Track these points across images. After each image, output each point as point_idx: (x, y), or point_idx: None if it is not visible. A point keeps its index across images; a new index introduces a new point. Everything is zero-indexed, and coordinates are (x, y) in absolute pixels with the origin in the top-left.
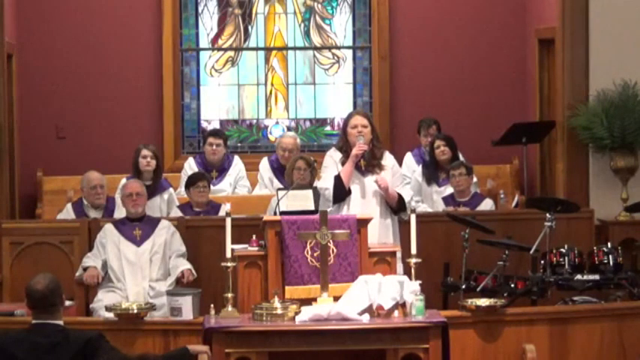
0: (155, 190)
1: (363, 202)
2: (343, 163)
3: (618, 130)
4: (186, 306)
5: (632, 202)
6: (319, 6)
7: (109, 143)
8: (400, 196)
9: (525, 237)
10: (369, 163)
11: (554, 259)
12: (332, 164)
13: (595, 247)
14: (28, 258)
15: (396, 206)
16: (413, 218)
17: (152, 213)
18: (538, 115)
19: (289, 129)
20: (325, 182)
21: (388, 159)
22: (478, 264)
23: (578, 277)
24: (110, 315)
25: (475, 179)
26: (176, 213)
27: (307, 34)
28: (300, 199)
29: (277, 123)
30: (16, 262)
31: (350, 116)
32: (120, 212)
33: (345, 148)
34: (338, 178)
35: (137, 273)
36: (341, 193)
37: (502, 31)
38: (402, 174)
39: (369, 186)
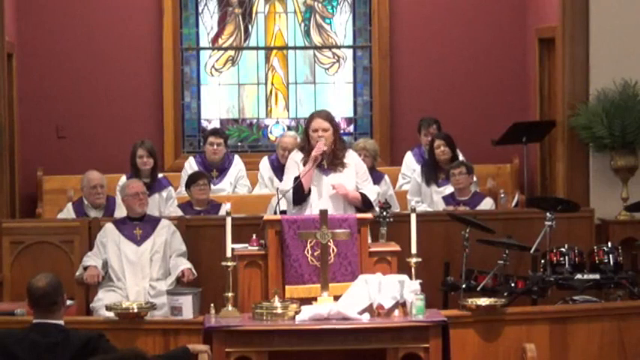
0: (153, 187)
1: (324, 203)
2: (305, 163)
3: (618, 129)
4: (187, 305)
5: (633, 201)
6: (319, 5)
7: (109, 143)
8: (364, 196)
9: (525, 236)
10: (332, 163)
11: (555, 258)
12: (293, 165)
13: (595, 247)
14: (28, 257)
15: (361, 206)
16: (413, 218)
17: (151, 210)
18: (538, 114)
19: (289, 128)
20: (286, 184)
21: (351, 157)
22: (478, 263)
23: (579, 276)
24: (110, 314)
25: (475, 178)
26: (176, 212)
27: (307, 33)
28: None
29: (277, 122)
30: (16, 262)
31: (311, 118)
32: (120, 212)
33: (307, 148)
34: (297, 181)
35: (137, 272)
36: (300, 195)
37: (502, 30)
38: (402, 173)
39: (330, 186)
